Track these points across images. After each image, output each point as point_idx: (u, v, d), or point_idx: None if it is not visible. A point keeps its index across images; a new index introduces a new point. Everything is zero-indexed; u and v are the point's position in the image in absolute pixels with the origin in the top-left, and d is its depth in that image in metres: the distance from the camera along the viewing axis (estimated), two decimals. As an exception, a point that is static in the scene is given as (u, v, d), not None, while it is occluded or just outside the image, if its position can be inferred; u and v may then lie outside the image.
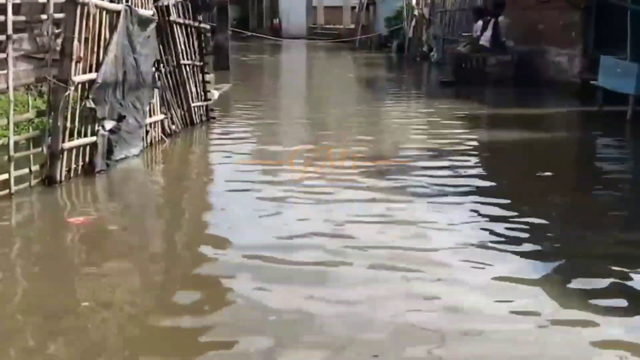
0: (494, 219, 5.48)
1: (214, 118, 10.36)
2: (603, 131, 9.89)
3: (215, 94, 13.53)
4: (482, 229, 5.24)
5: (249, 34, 40.17)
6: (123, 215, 5.82)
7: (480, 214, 5.63)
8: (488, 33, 15.51)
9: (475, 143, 8.85)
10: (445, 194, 6.26)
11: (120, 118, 7.25)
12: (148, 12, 8.21)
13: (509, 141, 9.09)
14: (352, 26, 36.19)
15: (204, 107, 10.14)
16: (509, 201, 5.98)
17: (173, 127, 9.00)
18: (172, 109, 9.08)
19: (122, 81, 7.28)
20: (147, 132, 8.12)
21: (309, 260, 4.61)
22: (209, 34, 19.89)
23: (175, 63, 9.27)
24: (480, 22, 16.06)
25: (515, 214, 5.58)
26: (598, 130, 10.02)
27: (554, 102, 13.10)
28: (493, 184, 6.75)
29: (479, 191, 6.38)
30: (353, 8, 38.64)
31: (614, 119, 10.66)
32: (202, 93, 10.11)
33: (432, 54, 22.41)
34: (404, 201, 6.08)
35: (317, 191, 6.35)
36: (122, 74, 7.29)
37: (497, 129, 10.31)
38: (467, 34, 17.94)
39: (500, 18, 15.46)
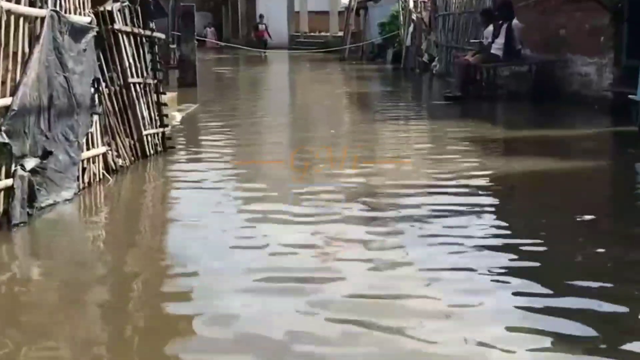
0: (522, 286, 4.63)
1: (172, 148, 9.52)
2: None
3: (177, 117, 12.78)
4: (508, 295, 4.41)
5: (223, 44, 39.60)
6: (48, 285, 4.95)
7: (502, 272, 4.80)
8: (500, 40, 14.77)
9: (490, 175, 8.00)
10: (456, 246, 5.44)
11: (46, 154, 6.39)
12: (84, 19, 7.39)
13: (532, 172, 8.22)
14: (341, 34, 35.72)
15: (160, 135, 9.30)
16: (540, 254, 5.16)
17: (119, 161, 8.14)
18: (117, 138, 8.24)
19: (47, 107, 6.42)
20: (84, 169, 7.27)
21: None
22: (173, 45, 19.28)
23: (121, 82, 8.45)
24: (490, 27, 15.35)
25: (551, 283, 4.72)
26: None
27: (582, 121, 12.34)
28: (517, 230, 5.86)
29: (498, 240, 5.56)
30: (341, 13, 38.20)
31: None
32: (157, 118, 9.28)
33: (433, 64, 21.75)
34: (398, 250, 5.42)
35: (301, 242, 5.60)
36: (48, 98, 6.44)
37: (516, 156, 9.48)
38: (475, 41, 17.25)
39: (514, 22, 14.74)
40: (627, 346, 3.79)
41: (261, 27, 39.47)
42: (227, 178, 8.31)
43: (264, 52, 36.53)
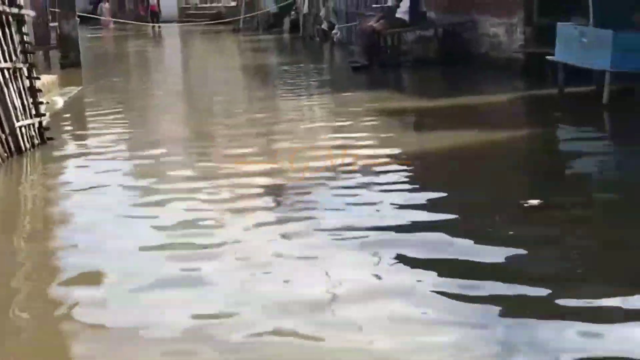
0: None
1: (52, 139, 8.49)
2: (580, 122, 8.56)
3: (59, 102, 11.73)
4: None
5: (113, 20, 38.00)
6: None
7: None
8: (405, 3, 14.14)
9: (407, 153, 7.25)
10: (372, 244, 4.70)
11: None
12: None
13: (456, 147, 7.48)
14: (234, 4, 34.75)
15: (36, 126, 8.26)
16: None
17: (-12, 159, 7.12)
18: (-16, 133, 7.21)
19: None
20: (-58, 173, 6.25)
21: None
22: (52, 23, 17.94)
23: (-15, 68, 7.41)
24: (394, -10, 14.71)
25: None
26: (573, 122, 8.67)
27: (496, 85, 11.75)
28: (454, 230, 4.93)
29: (428, 240, 4.74)
30: (233, -17, 37.24)
31: (583, 103, 9.45)
32: (32, 106, 8.23)
33: (334, 32, 21.03)
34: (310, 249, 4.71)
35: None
36: None
37: (432, 130, 8.78)
38: (377, 6, 16.59)
39: (419, -16, 14.15)
40: None
41: (152, 0, 37.66)
42: (115, 172, 7.23)
43: (158, 26, 35.13)
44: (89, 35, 28.51)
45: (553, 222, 5.01)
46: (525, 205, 5.21)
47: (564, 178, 6.42)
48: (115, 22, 36.76)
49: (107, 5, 41.13)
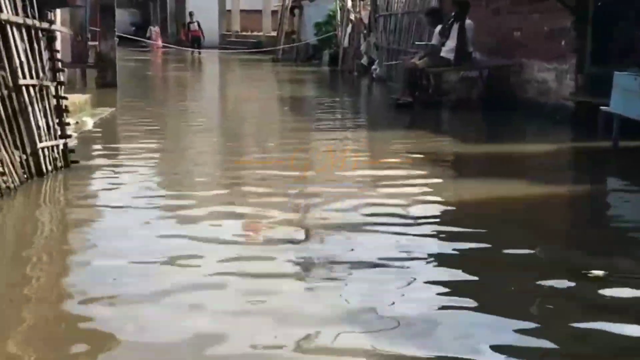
0: None
1: (76, 162, 7.98)
2: (638, 181, 7.86)
3: (89, 123, 11.28)
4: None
5: (161, 44, 38.18)
6: None
7: None
8: (452, 42, 13.55)
9: (445, 200, 6.68)
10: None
11: None
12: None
13: (500, 199, 6.81)
14: (274, 34, 34.59)
15: (61, 148, 7.77)
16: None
17: (6, 180, 6.61)
18: (4, 152, 6.70)
19: None
20: (-48, 194, 5.75)
21: None
22: (91, 42, 17.64)
23: (10, 83, 6.93)
24: (439, 28, 14.12)
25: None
26: (631, 180, 7.91)
27: (542, 133, 11.11)
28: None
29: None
30: (274, 12, 37.18)
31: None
32: (57, 127, 7.75)
33: (373, 67, 20.55)
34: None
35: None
36: None
37: (475, 177, 8.07)
38: (420, 43, 16.05)
39: (468, 22, 13.53)
40: None
41: (193, 25, 37.47)
42: (145, 198, 6.70)
43: (199, 52, 34.96)
44: (131, 57, 28.34)
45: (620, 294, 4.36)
46: (590, 275, 4.55)
47: (622, 243, 5.71)
48: (163, 47, 36.91)
49: (157, 29, 41.29)
